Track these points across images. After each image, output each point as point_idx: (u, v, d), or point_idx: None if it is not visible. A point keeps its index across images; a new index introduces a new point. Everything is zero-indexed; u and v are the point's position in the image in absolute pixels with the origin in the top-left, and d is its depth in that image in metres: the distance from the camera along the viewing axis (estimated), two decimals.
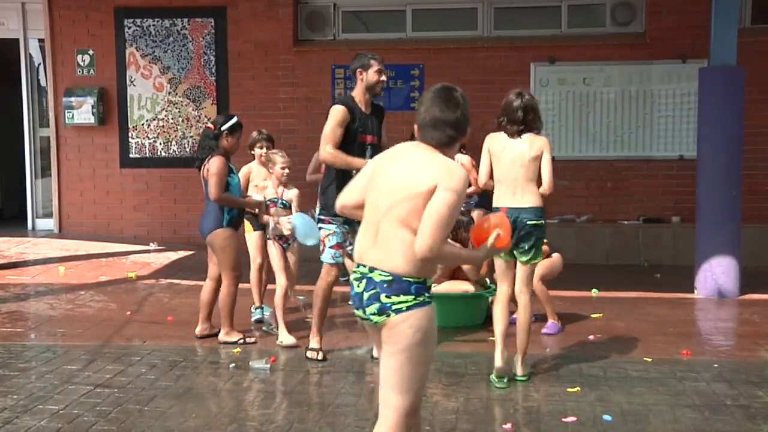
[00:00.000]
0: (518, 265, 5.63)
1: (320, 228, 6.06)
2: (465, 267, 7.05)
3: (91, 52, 11.48)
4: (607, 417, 4.90)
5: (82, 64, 11.50)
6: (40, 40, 11.81)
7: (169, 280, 9.09)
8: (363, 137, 5.98)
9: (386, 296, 3.25)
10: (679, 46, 10.61)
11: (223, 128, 6.44)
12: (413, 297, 3.25)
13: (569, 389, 5.39)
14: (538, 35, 11.11)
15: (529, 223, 5.50)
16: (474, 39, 11.16)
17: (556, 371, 5.82)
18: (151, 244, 11.01)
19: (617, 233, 10.58)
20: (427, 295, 3.30)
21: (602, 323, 7.22)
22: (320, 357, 6.04)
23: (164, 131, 11.43)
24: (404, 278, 3.24)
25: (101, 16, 11.41)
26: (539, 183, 5.56)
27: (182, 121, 11.39)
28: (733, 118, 8.32)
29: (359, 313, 3.37)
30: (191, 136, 11.36)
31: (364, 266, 3.33)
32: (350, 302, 3.52)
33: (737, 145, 8.37)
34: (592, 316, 7.42)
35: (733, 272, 8.36)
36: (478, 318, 7.15)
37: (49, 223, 11.90)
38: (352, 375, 5.70)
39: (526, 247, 5.54)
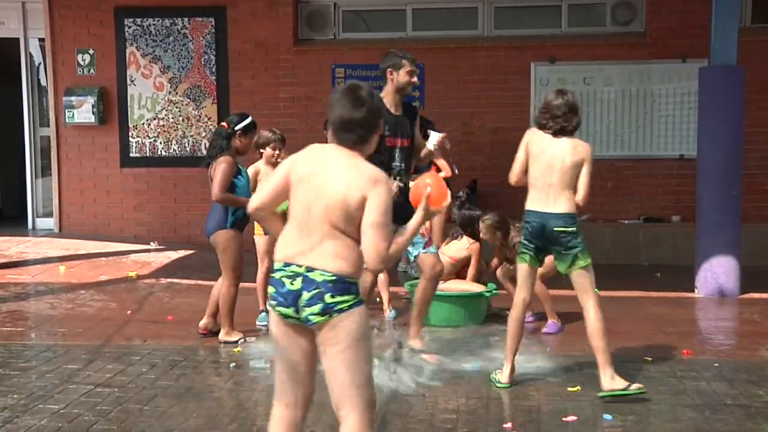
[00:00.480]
0: (571, 277, 5.36)
1: None
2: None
3: (91, 51, 11.48)
4: (607, 416, 4.90)
5: (82, 63, 11.50)
6: (41, 40, 11.81)
7: (169, 280, 9.09)
8: (391, 140, 5.72)
9: (331, 296, 3.31)
10: (679, 46, 10.61)
11: (237, 128, 6.39)
12: (353, 296, 3.36)
13: (569, 388, 5.39)
14: (538, 35, 11.10)
15: (556, 229, 5.25)
16: (474, 38, 11.15)
17: (556, 370, 5.82)
18: (151, 243, 11.01)
19: (617, 233, 10.58)
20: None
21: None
22: None
23: (164, 131, 11.43)
24: (347, 279, 3.34)
25: (101, 16, 11.41)
26: (575, 188, 5.31)
27: (182, 120, 11.39)
28: (734, 118, 8.31)
29: (287, 311, 3.38)
30: (191, 136, 11.36)
31: (298, 266, 3.36)
32: (272, 301, 3.45)
33: (737, 145, 8.37)
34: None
35: (734, 271, 8.36)
36: (478, 318, 7.15)
37: (49, 223, 11.90)
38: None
39: (563, 256, 5.29)
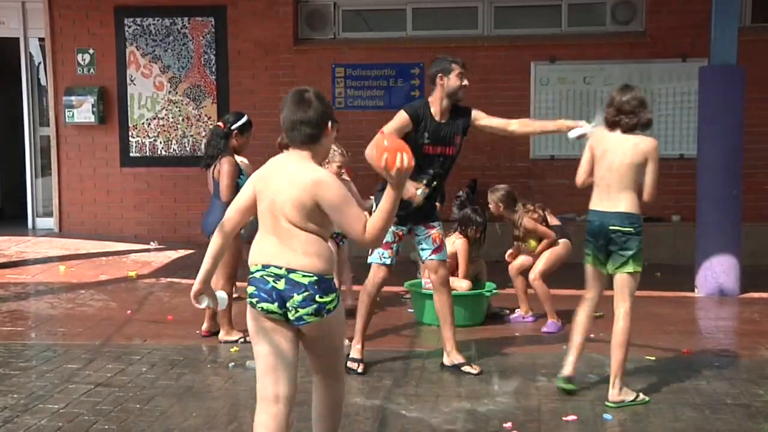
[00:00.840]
0: (614, 277, 5.23)
1: None
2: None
3: (91, 51, 11.48)
4: (607, 416, 4.91)
5: (82, 63, 11.49)
6: (41, 39, 11.80)
7: (169, 279, 9.08)
8: (430, 148, 5.60)
9: (320, 296, 3.50)
10: (679, 45, 10.61)
11: (233, 127, 6.42)
12: (335, 294, 3.56)
13: (569, 388, 5.38)
14: (538, 34, 11.10)
15: (612, 228, 5.08)
16: (474, 38, 11.15)
17: (556, 370, 5.82)
18: (151, 243, 11.01)
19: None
20: None
21: (603, 322, 7.20)
22: (360, 369, 5.72)
23: (164, 130, 11.43)
24: (326, 276, 3.51)
25: (101, 15, 11.40)
26: (640, 188, 5.11)
27: (182, 120, 11.39)
28: (734, 117, 8.31)
29: (271, 307, 3.52)
30: (191, 135, 11.36)
31: (278, 267, 3.50)
32: (252, 299, 3.57)
33: (737, 144, 8.37)
34: (593, 314, 7.40)
35: (734, 271, 8.36)
36: (478, 317, 7.15)
37: (49, 222, 11.90)
38: (352, 374, 5.69)
39: (615, 255, 5.12)
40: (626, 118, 5.10)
